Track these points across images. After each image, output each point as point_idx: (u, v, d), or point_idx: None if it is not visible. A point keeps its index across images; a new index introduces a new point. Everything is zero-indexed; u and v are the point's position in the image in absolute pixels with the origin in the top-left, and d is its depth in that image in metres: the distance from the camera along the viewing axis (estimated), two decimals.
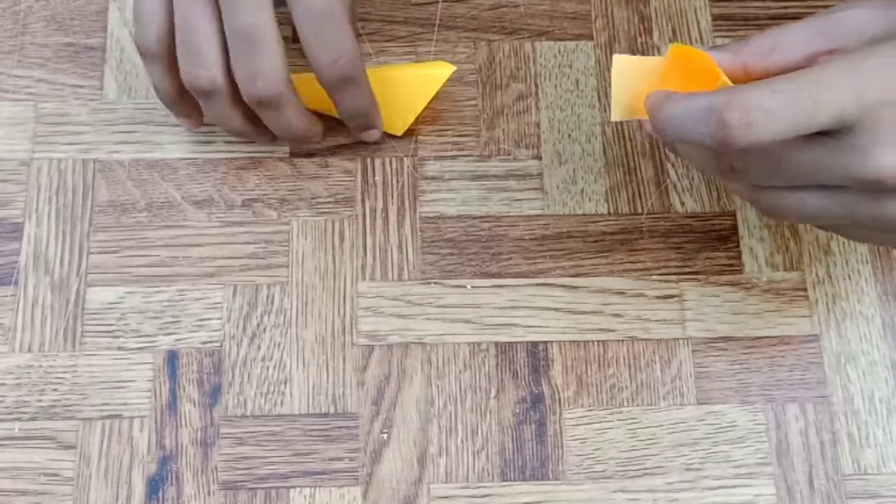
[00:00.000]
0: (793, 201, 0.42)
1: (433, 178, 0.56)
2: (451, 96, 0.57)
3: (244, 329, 0.52)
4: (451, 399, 0.52)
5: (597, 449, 0.51)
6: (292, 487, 0.50)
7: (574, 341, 0.53)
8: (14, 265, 0.53)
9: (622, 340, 0.53)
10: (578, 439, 0.51)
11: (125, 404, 0.51)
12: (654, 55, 0.58)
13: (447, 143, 0.56)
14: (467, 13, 0.59)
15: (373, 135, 0.55)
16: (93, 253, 0.53)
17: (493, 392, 0.52)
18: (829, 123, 0.38)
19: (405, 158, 0.56)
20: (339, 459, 0.50)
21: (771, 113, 0.38)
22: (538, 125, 0.57)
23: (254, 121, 0.52)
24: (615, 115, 0.45)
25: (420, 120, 0.56)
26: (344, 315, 0.53)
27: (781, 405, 0.52)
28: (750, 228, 0.55)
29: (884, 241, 0.45)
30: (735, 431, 0.52)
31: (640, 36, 0.59)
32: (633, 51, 0.59)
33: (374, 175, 0.55)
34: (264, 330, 0.53)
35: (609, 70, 0.57)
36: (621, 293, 0.54)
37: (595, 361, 0.53)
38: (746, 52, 0.42)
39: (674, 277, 0.54)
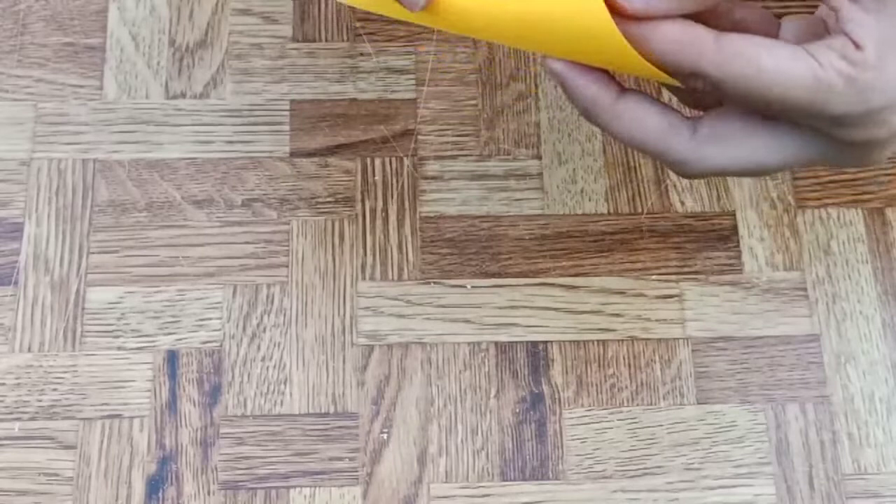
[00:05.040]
0: None
1: (433, 178, 0.56)
2: (451, 96, 0.57)
3: (244, 329, 0.52)
4: (451, 399, 0.52)
5: (597, 449, 0.51)
6: (292, 487, 0.50)
7: (574, 341, 0.53)
8: (14, 265, 0.53)
9: (622, 340, 0.53)
10: (578, 439, 0.51)
11: (125, 404, 0.51)
12: None
13: (447, 143, 0.56)
14: None
15: None
16: (93, 253, 0.53)
17: (493, 392, 0.52)
18: None
19: (405, 158, 0.56)
20: (339, 459, 0.51)
21: None
22: (538, 125, 0.57)
23: None
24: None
25: (420, 119, 0.55)
26: (344, 315, 0.53)
27: (781, 405, 0.52)
28: (750, 228, 0.55)
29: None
30: (735, 431, 0.52)
31: None
32: None
33: (374, 175, 0.55)
34: (264, 330, 0.53)
35: None
36: (621, 293, 0.54)
37: (595, 361, 0.53)
38: None
39: (674, 277, 0.54)
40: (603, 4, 0.34)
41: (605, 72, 0.37)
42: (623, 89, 0.37)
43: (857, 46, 0.35)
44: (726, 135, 0.37)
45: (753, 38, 0.35)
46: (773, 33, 0.38)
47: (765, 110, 0.36)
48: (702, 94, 0.38)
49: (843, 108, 0.35)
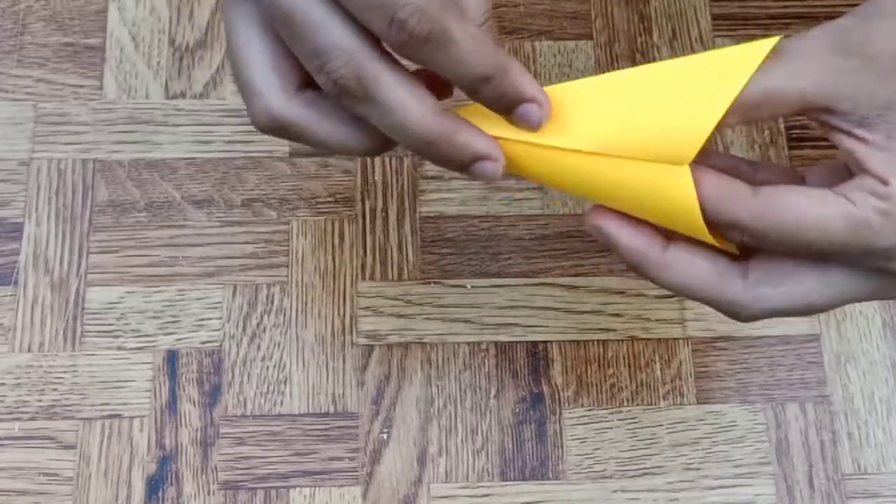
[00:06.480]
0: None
1: (433, 177, 0.56)
2: None
3: (244, 329, 0.52)
4: (451, 399, 0.52)
5: (597, 449, 0.51)
6: (292, 487, 0.50)
7: (574, 341, 0.53)
8: (14, 265, 0.53)
9: (622, 340, 0.53)
10: (578, 439, 0.51)
11: (125, 404, 0.51)
12: (647, 62, 0.58)
13: None
14: None
15: (485, 168, 0.37)
16: (93, 253, 0.53)
17: (493, 392, 0.52)
18: None
19: (405, 158, 0.56)
20: (339, 459, 0.51)
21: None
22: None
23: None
24: None
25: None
26: (344, 315, 0.53)
27: (781, 405, 0.52)
28: None
29: None
30: (735, 431, 0.52)
31: (640, 36, 0.59)
32: (632, 51, 0.58)
33: (374, 175, 0.55)
34: (264, 330, 0.53)
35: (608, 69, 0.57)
36: (621, 293, 0.54)
37: (595, 361, 0.53)
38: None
39: None
40: (690, 175, 0.34)
41: (650, 224, 0.37)
42: (669, 239, 0.37)
43: (884, 182, 0.35)
44: (779, 276, 0.37)
45: (787, 187, 0.36)
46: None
47: (809, 255, 0.37)
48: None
49: (885, 241, 0.35)
